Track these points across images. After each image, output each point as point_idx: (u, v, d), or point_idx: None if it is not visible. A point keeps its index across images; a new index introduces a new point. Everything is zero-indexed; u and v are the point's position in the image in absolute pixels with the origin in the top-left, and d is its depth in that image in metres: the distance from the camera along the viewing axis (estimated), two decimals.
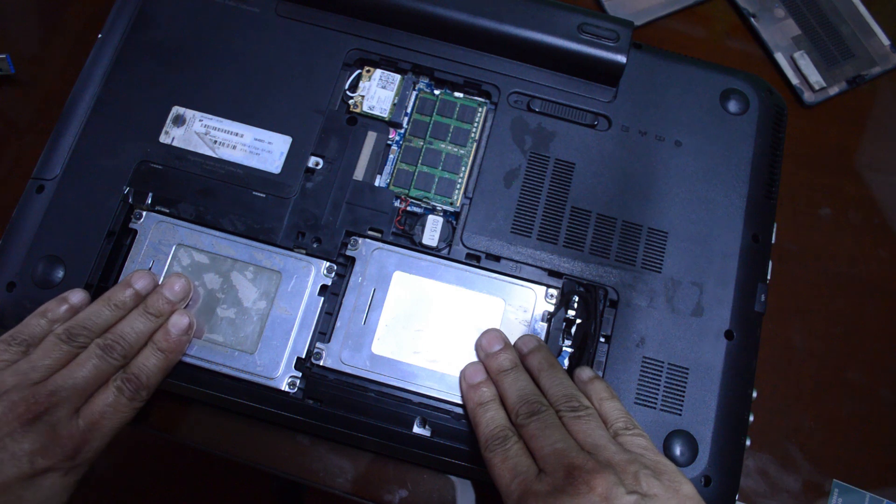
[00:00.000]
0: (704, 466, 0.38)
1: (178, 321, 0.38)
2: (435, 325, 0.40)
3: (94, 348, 0.35)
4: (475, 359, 0.39)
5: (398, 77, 0.45)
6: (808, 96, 0.53)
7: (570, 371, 0.39)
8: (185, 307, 0.39)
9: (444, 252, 0.41)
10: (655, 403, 0.39)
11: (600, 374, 0.39)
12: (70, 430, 0.33)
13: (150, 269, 0.40)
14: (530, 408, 0.35)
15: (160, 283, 0.39)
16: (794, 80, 0.53)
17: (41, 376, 0.34)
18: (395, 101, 0.44)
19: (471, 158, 0.43)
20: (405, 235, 0.42)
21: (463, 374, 0.38)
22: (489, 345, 0.39)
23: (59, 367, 0.34)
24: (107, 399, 0.35)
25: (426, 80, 0.45)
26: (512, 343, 0.39)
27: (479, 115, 0.44)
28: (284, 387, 0.39)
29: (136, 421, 0.37)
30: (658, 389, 0.39)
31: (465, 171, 0.43)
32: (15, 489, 0.31)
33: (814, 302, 0.48)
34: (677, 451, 0.38)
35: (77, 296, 0.38)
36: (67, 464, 0.33)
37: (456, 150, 0.44)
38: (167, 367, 0.37)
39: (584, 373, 0.38)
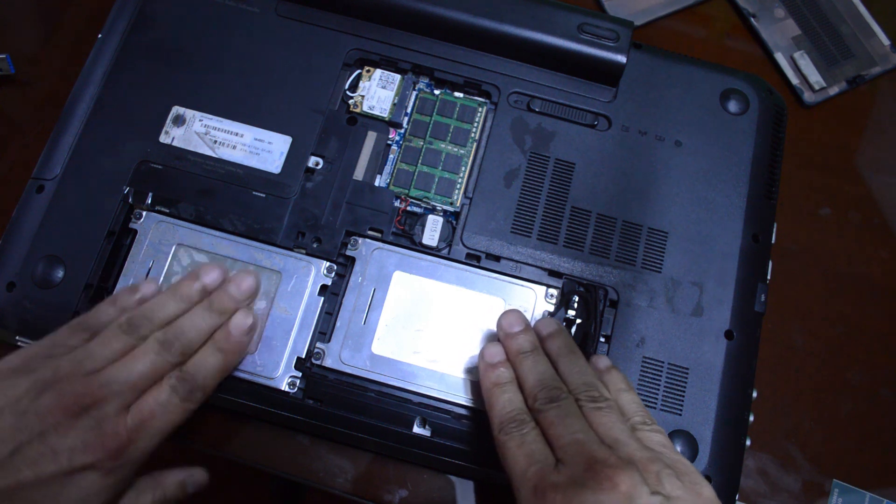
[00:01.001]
0: (704, 466, 0.38)
1: (241, 321, 0.36)
2: (435, 325, 0.40)
3: (153, 343, 0.34)
4: (476, 357, 0.39)
5: (398, 77, 0.45)
6: (808, 96, 0.53)
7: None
8: (250, 306, 0.38)
9: (444, 252, 0.41)
10: (655, 403, 0.39)
11: None
12: (116, 427, 0.31)
13: (149, 269, 0.40)
14: (550, 394, 0.33)
15: (229, 278, 0.37)
16: (794, 80, 0.53)
17: (96, 366, 0.32)
18: (395, 101, 0.44)
19: (471, 158, 0.43)
20: (405, 235, 0.42)
21: (482, 353, 0.37)
22: (509, 325, 0.37)
23: (116, 358, 0.33)
24: (159, 397, 0.33)
25: (426, 80, 0.45)
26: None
27: (479, 115, 0.44)
28: (284, 387, 0.39)
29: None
30: (658, 389, 0.39)
31: (465, 171, 0.43)
32: (51, 486, 0.30)
33: (814, 302, 0.48)
34: (677, 451, 0.38)
35: (149, 287, 0.37)
36: (109, 463, 0.31)
37: (456, 150, 0.44)
38: (226, 369, 0.36)
39: (601, 361, 0.37)
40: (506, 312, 0.38)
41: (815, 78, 0.53)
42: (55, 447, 0.30)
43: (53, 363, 0.32)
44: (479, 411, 0.38)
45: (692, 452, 0.38)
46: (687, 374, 0.40)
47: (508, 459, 0.32)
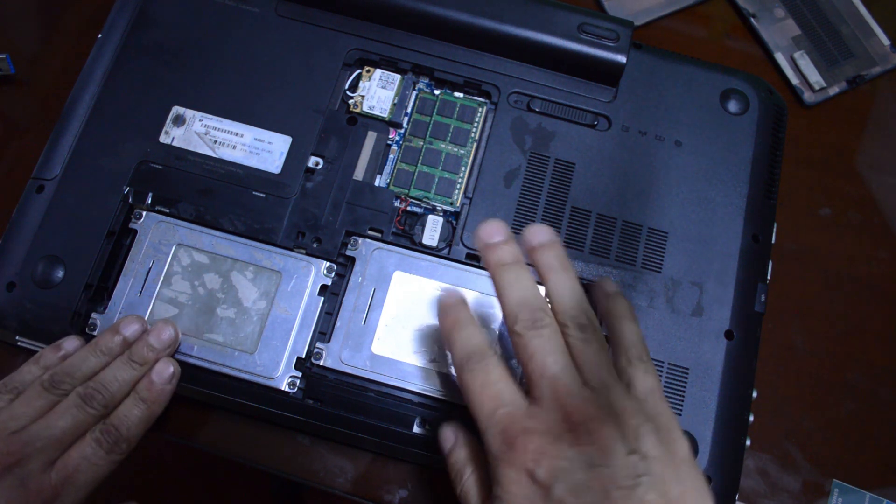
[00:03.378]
0: (704, 466, 0.38)
1: (162, 370, 0.36)
2: (435, 325, 0.40)
3: (74, 397, 0.34)
4: None
5: (398, 77, 0.45)
6: (808, 96, 0.53)
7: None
8: (171, 354, 0.38)
9: (444, 252, 0.41)
10: None
11: None
12: (40, 484, 0.32)
13: (149, 269, 0.40)
14: (533, 315, 0.30)
15: (148, 329, 0.38)
16: (794, 80, 0.53)
17: (20, 425, 0.33)
18: (395, 101, 0.44)
19: (471, 158, 0.43)
20: (405, 235, 0.42)
21: (440, 298, 0.34)
22: (489, 235, 0.33)
23: (38, 416, 0.33)
24: (83, 451, 0.33)
25: (426, 80, 0.45)
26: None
27: (479, 115, 0.44)
28: (284, 387, 0.39)
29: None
30: None
31: (465, 171, 0.43)
32: None
33: (814, 302, 0.48)
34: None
35: (71, 343, 0.37)
36: None
37: (456, 150, 0.44)
38: (150, 419, 0.36)
39: (609, 285, 0.34)
40: (484, 222, 0.34)
41: (815, 78, 0.53)
42: None
43: None
44: None
45: (692, 452, 0.38)
46: (687, 374, 0.39)
47: (473, 401, 0.30)
